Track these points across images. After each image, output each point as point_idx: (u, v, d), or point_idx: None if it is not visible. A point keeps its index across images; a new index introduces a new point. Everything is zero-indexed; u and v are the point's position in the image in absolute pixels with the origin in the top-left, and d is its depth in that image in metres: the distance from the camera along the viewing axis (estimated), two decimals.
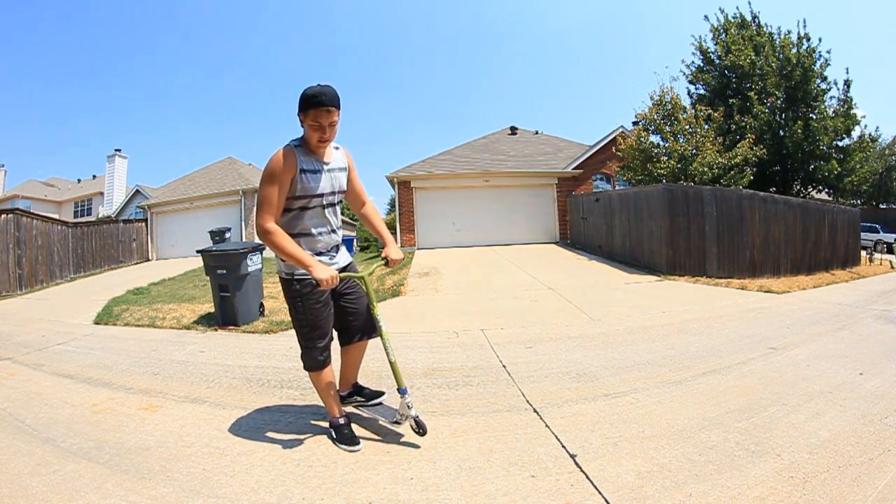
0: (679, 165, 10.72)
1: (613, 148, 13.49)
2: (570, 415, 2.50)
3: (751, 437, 2.17)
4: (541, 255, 11.07)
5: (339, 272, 2.10)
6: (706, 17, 14.88)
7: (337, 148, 2.22)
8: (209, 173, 18.45)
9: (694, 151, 10.76)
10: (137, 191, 21.39)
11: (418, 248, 13.26)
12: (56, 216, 18.53)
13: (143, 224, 16.15)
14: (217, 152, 75.06)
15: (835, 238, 9.91)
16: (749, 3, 17.19)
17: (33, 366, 3.74)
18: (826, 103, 13.38)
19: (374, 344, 2.42)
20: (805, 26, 13.33)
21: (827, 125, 12.76)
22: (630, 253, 9.58)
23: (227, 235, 5.74)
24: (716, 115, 11.60)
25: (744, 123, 12.77)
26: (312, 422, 2.47)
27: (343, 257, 2.29)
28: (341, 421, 2.21)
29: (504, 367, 3.39)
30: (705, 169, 10.46)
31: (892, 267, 10.74)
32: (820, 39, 13.23)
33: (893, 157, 23.40)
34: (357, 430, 2.30)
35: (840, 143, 13.56)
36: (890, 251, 16.73)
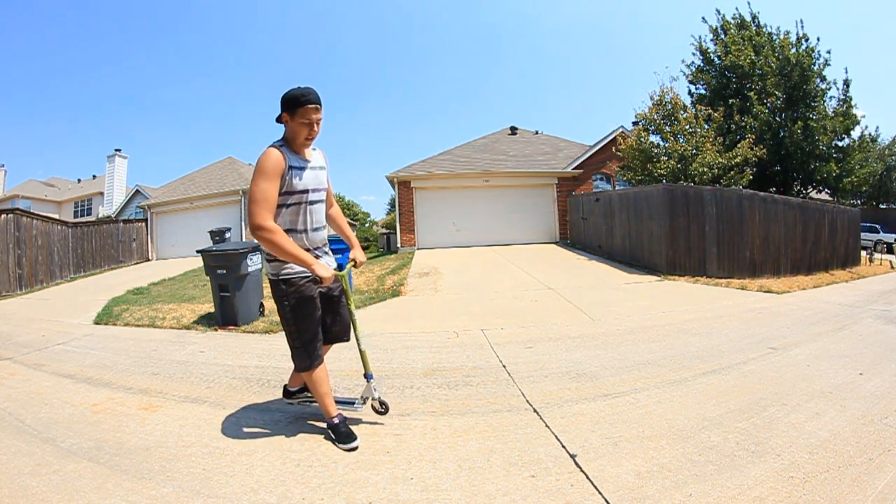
0: (679, 165, 10.72)
1: (613, 148, 13.49)
2: (570, 415, 2.51)
3: (751, 437, 2.17)
4: (541, 255, 11.07)
5: None
6: (704, 18, 14.91)
7: (314, 149, 2.28)
8: (209, 173, 18.44)
9: (694, 151, 10.76)
10: (137, 191, 21.39)
11: (418, 248, 13.26)
12: (56, 216, 18.53)
13: (143, 224, 16.14)
14: (217, 152, 75.12)
15: (834, 238, 9.91)
16: (749, 4, 17.23)
17: (33, 366, 3.74)
18: (825, 103, 13.40)
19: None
20: (803, 26, 13.37)
21: (826, 125, 12.76)
22: (630, 253, 9.58)
23: (227, 235, 5.75)
24: (716, 115, 11.60)
25: (744, 123, 12.78)
26: (312, 422, 2.47)
27: (328, 259, 2.32)
28: (336, 420, 2.23)
29: (504, 367, 3.39)
30: (705, 169, 10.47)
31: (892, 267, 10.74)
32: (818, 39, 13.27)
33: (893, 158, 23.39)
34: (357, 429, 2.30)
35: (840, 144, 13.57)
36: (890, 251, 16.74)
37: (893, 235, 18.43)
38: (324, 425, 2.34)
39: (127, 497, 1.76)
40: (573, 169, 14.07)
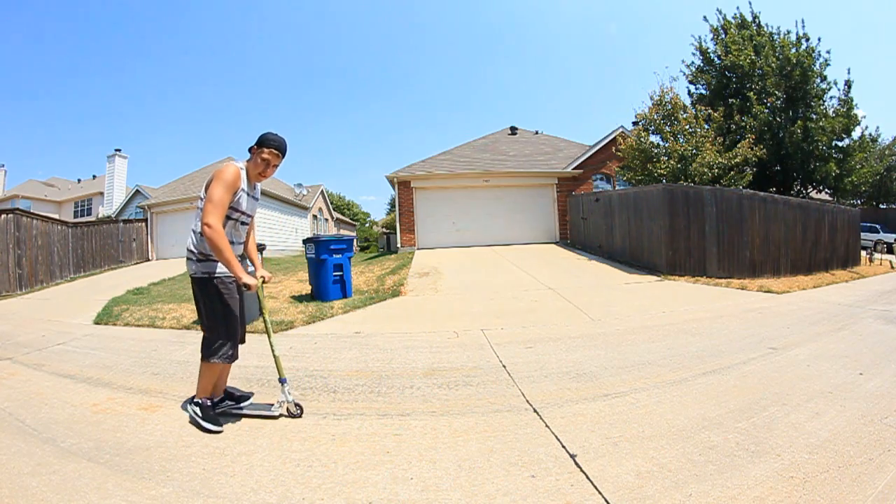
0: (679, 165, 10.72)
1: (613, 148, 13.49)
2: (570, 415, 2.50)
3: (751, 437, 2.17)
4: (541, 255, 11.07)
5: None
6: (704, 18, 14.89)
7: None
8: (209, 173, 18.38)
9: (694, 151, 10.76)
10: (137, 191, 21.38)
11: (418, 248, 13.26)
12: (56, 216, 18.53)
13: (143, 224, 16.14)
14: (217, 152, 75.08)
15: (835, 238, 9.91)
16: (750, 3, 17.20)
17: (33, 366, 3.74)
18: (826, 103, 13.38)
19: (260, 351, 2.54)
20: (804, 26, 13.34)
21: (826, 125, 12.75)
22: (630, 253, 9.58)
23: None
24: (716, 115, 11.60)
25: (744, 123, 12.77)
26: (312, 422, 2.47)
27: (246, 264, 2.62)
28: (208, 403, 2.44)
29: (504, 367, 3.39)
30: (705, 169, 10.46)
31: (892, 267, 10.75)
32: (819, 39, 13.24)
33: (893, 158, 23.40)
34: (358, 429, 2.31)
35: (840, 144, 13.55)
36: (890, 251, 16.75)
37: (893, 235, 18.44)
38: (323, 424, 2.35)
39: (127, 497, 1.76)
40: (573, 169, 14.07)
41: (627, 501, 1.69)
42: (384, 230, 24.60)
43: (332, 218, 30.71)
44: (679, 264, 8.26)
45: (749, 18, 14.50)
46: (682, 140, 11.23)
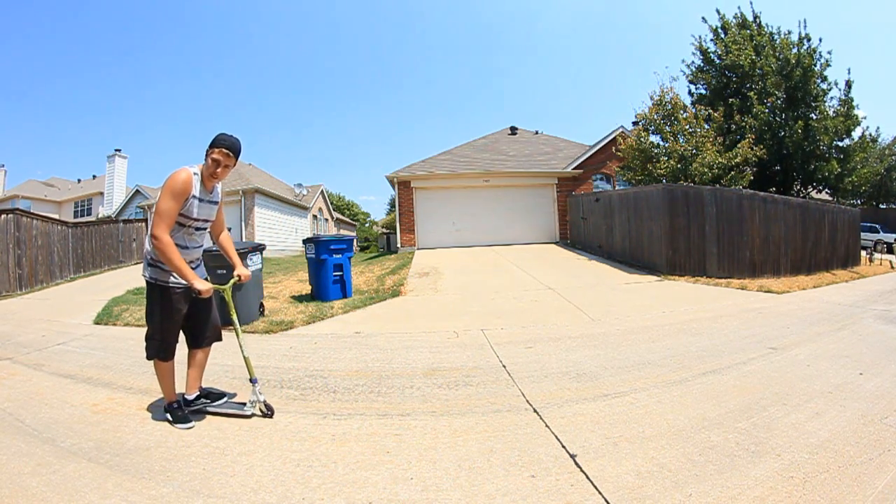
0: (679, 165, 10.72)
1: (613, 148, 13.49)
2: (570, 415, 2.51)
3: (751, 437, 2.17)
4: (541, 255, 11.07)
5: None
6: (704, 18, 14.87)
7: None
8: None
9: (694, 151, 10.75)
10: (137, 191, 21.40)
11: (418, 248, 13.26)
12: (56, 216, 18.52)
13: (143, 224, 16.12)
14: None
15: (835, 238, 9.91)
16: (751, 3, 17.21)
17: (33, 366, 3.74)
18: (826, 104, 13.37)
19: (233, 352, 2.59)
20: (806, 26, 13.32)
21: (827, 125, 12.74)
22: (630, 253, 9.58)
23: None
24: (716, 115, 11.59)
25: (744, 123, 12.76)
26: (312, 422, 2.47)
27: (201, 271, 2.61)
28: (175, 405, 2.51)
29: (504, 367, 3.39)
30: (705, 169, 10.46)
31: (892, 267, 10.74)
32: (820, 40, 13.23)
33: (893, 158, 23.40)
34: (358, 429, 2.30)
35: (840, 144, 13.54)
36: (890, 251, 16.74)
37: (893, 235, 18.43)
38: (324, 424, 2.35)
39: (127, 497, 1.76)
40: (573, 169, 14.07)
41: (627, 501, 1.69)
42: (384, 230, 24.61)
43: (332, 218, 30.72)
44: (679, 264, 8.26)
45: (750, 18, 14.49)
46: (682, 140, 11.23)
